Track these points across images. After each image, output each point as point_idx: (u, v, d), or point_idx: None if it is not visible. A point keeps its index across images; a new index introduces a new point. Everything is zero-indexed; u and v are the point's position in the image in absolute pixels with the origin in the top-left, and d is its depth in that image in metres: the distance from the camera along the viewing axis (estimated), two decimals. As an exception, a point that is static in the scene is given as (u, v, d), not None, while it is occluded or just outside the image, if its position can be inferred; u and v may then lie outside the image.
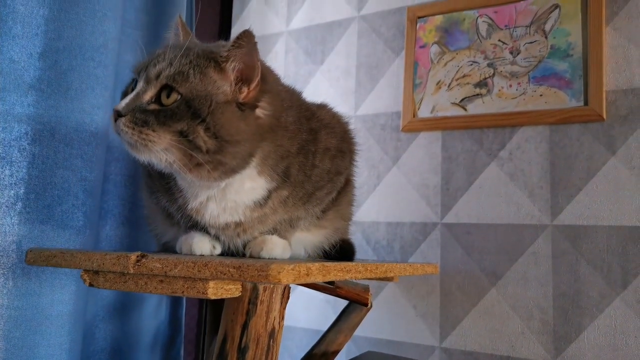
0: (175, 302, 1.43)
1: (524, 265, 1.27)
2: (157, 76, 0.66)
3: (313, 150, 0.75)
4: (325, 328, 1.15)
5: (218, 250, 0.76)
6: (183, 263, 0.63)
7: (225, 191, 0.71)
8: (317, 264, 0.66)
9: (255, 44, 0.68)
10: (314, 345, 1.11)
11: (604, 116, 1.21)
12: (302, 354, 1.16)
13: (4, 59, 1.05)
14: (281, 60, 1.73)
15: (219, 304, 1.02)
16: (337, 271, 0.71)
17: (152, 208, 0.86)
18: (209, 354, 0.94)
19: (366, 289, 0.94)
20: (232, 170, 0.69)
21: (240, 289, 0.70)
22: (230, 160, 0.67)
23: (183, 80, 0.66)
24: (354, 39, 1.61)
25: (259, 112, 0.70)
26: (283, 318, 0.89)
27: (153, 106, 0.66)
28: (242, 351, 0.84)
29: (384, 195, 1.47)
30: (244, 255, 0.77)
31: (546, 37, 1.30)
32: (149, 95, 0.66)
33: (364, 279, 0.86)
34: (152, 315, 1.35)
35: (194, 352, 1.63)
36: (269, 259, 0.73)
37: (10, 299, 1.02)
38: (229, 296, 0.66)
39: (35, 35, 1.09)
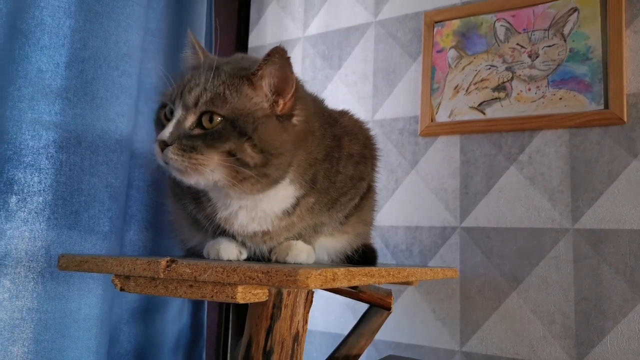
0: (197, 306, 1.45)
1: (545, 269, 1.26)
2: (196, 103, 0.68)
3: (337, 157, 0.76)
4: (344, 332, 1.16)
5: (244, 255, 0.77)
6: (212, 268, 0.64)
7: (257, 201, 0.73)
8: (342, 269, 0.67)
9: (287, 58, 0.69)
10: (335, 349, 1.12)
11: (625, 119, 1.20)
12: (322, 358, 1.17)
13: (32, 69, 1.08)
14: (298, 65, 1.75)
15: (242, 307, 1.03)
16: (361, 276, 0.72)
17: (178, 214, 0.88)
18: (234, 357, 0.96)
19: (388, 293, 0.95)
20: (275, 181, 0.71)
21: (267, 294, 0.71)
22: (274, 172, 0.69)
23: (222, 102, 0.67)
24: (371, 44, 1.62)
25: (294, 120, 0.72)
26: (307, 322, 0.90)
27: (197, 131, 0.68)
28: (267, 354, 0.85)
29: (403, 200, 1.47)
30: (269, 260, 0.78)
31: (565, 41, 1.30)
32: (190, 121, 0.68)
33: (387, 283, 0.87)
34: (175, 319, 1.37)
35: (215, 355, 1.65)
36: (294, 264, 0.74)
37: (39, 303, 1.05)
38: (256, 300, 0.67)
39: (61, 45, 1.12)
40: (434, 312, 1.38)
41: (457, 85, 1.43)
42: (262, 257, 0.79)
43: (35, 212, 1.06)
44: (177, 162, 0.66)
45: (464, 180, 1.40)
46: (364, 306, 1.47)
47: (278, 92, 0.70)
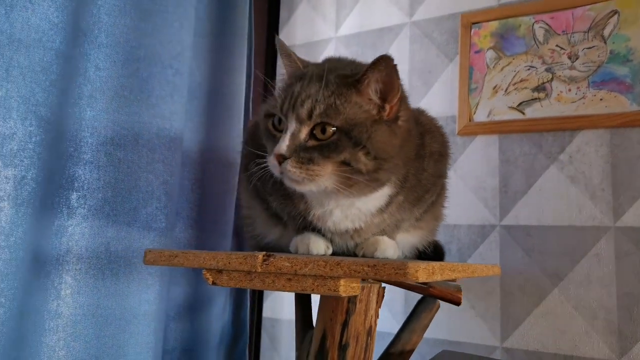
0: (238, 305, 1.46)
1: (586, 266, 1.29)
2: (310, 116, 0.69)
3: (422, 155, 0.78)
4: (383, 329, 1.17)
5: (330, 250, 0.79)
6: (314, 262, 0.66)
7: (354, 200, 0.75)
8: (437, 263, 0.69)
9: (394, 66, 0.70)
10: (389, 345, 1.13)
11: (667, 119, 1.23)
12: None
13: (90, 67, 1.09)
14: (331, 65, 1.76)
15: (306, 305, 1.05)
16: (449, 271, 0.74)
17: (255, 210, 0.90)
18: (301, 352, 0.97)
19: (458, 288, 0.97)
20: (383, 184, 0.73)
21: (360, 287, 0.72)
22: (384, 175, 0.72)
23: (335, 113, 0.69)
24: (406, 44, 1.64)
25: (400, 122, 0.74)
26: (378, 316, 0.92)
27: (311, 142, 0.70)
28: (342, 348, 0.87)
29: (441, 198, 1.49)
30: (354, 255, 0.80)
31: (605, 43, 1.33)
32: (304, 133, 0.70)
33: (462, 278, 0.89)
34: (218, 317, 1.38)
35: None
36: (381, 258, 0.76)
37: (100, 299, 1.06)
38: (353, 294, 0.69)
39: (117, 43, 1.13)
40: (473, 309, 1.41)
41: (496, 86, 1.46)
42: (347, 252, 0.81)
43: (95, 209, 1.07)
44: (295, 174, 0.68)
45: (503, 179, 1.42)
46: (400, 302, 1.49)
47: (384, 97, 0.72)
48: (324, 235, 0.79)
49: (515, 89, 1.43)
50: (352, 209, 0.76)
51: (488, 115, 1.46)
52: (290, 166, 0.68)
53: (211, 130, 1.37)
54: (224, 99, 1.40)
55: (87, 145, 1.07)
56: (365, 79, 0.70)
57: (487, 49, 1.49)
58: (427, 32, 1.61)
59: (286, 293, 1.72)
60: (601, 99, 1.32)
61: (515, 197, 1.40)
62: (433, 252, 0.90)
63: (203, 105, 1.35)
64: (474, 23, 1.52)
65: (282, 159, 0.68)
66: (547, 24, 1.41)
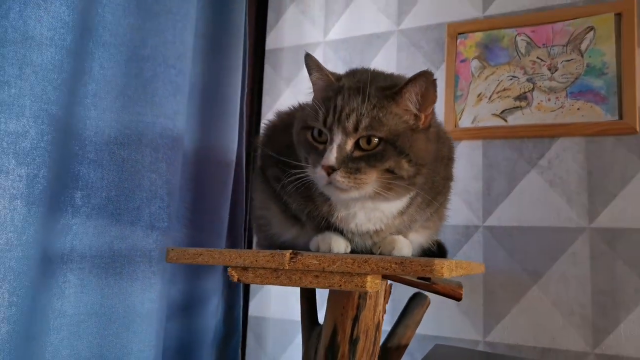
0: (230, 303, 1.48)
1: (563, 265, 1.38)
2: (355, 129, 0.73)
3: (436, 159, 0.84)
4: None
5: (349, 248, 0.83)
6: (342, 260, 0.70)
7: (379, 203, 0.79)
8: (453, 261, 0.74)
9: (434, 81, 0.75)
10: (386, 339, 1.18)
11: (637, 129, 1.34)
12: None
13: (95, 65, 1.09)
14: (319, 69, 1.80)
15: (312, 301, 1.08)
16: (459, 268, 0.79)
17: (271, 210, 0.92)
18: (309, 346, 1.01)
19: (459, 284, 1.03)
20: (418, 187, 0.78)
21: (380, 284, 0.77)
22: (420, 179, 0.77)
23: (379, 125, 0.74)
24: (394, 51, 1.70)
25: (431, 129, 0.80)
26: (385, 311, 0.97)
27: (357, 153, 0.74)
28: (353, 342, 0.91)
29: (427, 200, 1.56)
30: (371, 253, 0.84)
31: (582, 56, 1.43)
32: (350, 145, 0.74)
33: (459, 275, 0.95)
34: (212, 315, 1.39)
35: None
36: (398, 256, 0.81)
37: (103, 297, 1.06)
38: (377, 289, 0.73)
39: (121, 43, 1.13)
40: (458, 306, 1.48)
41: (480, 94, 1.54)
42: (365, 250, 0.85)
43: (99, 208, 1.07)
44: (343, 184, 0.73)
45: (487, 183, 1.50)
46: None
47: (420, 107, 0.77)
48: (343, 235, 0.83)
49: (498, 97, 1.51)
50: (375, 212, 0.80)
51: (473, 122, 1.53)
52: (339, 176, 0.72)
53: (207, 129, 1.38)
54: (221, 99, 1.41)
55: (92, 144, 1.07)
56: (405, 91, 0.75)
57: (472, 59, 1.56)
58: (414, 41, 1.67)
59: (273, 293, 1.75)
60: (578, 109, 1.41)
61: (497, 199, 1.48)
62: (437, 250, 0.96)
63: (199, 104, 1.36)
64: (459, 33, 1.59)
65: (331, 170, 0.72)
66: (528, 37, 1.50)
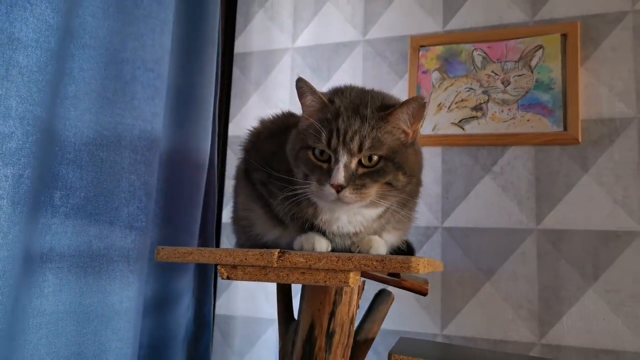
0: (201, 301, 1.51)
1: (514, 263, 1.51)
2: (360, 149, 0.82)
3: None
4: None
5: (330, 248, 0.90)
6: (327, 258, 0.76)
7: (362, 208, 0.86)
8: (425, 258, 0.82)
9: (424, 104, 0.85)
10: (354, 333, 1.26)
11: (580, 140, 1.48)
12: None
13: (75, 67, 1.10)
14: (287, 75, 1.86)
15: (288, 297, 1.14)
16: (429, 266, 0.87)
17: (255, 211, 0.98)
18: (286, 341, 1.06)
19: (426, 281, 1.11)
20: (406, 194, 0.87)
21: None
22: (409, 186, 0.87)
23: (380, 144, 0.82)
24: (360, 60, 1.78)
25: (416, 141, 0.90)
26: (359, 306, 1.04)
27: (361, 170, 0.83)
28: (329, 335, 0.98)
29: (390, 202, 1.65)
30: (349, 251, 0.91)
31: (532, 72, 1.56)
32: (354, 164, 0.82)
33: (429, 272, 1.04)
34: (184, 313, 1.43)
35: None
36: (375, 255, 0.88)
37: (82, 296, 1.08)
38: (357, 285, 0.80)
39: (101, 45, 1.15)
40: (418, 302, 1.58)
41: (440, 103, 1.64)
42: (344, 249, 0.92)
43: (78, 208, 1.08)
44: (350, 199, 0.81)
45: (445, 187, 1.61)
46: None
47: (410, 124, 0.87)
48: (325, 236, 0.89)
49: (456, 107, 1.62)
50: (357, 216, 0.88)
51: (433, 129, 1.64)
52: (348, 193, 0.80)
53: (182, 131, 1.41)
54: (195, 102, 1.45)
55: (71, 145, 1.08)
56: (400, 112, 0.84)
57: (433, 70, 1.67)
58: (380, 51, 1.76)
59: (240, 291, 1.79)
60: (528, 120, 1.54)
61: (455, 202, 1.59)
62: (407, 249, 1.04)
63: (174, 107, 1.39)
64: (421, 46, 1.69)
65: (340, 188, 0.80)
66: (484, 52, 1.62)
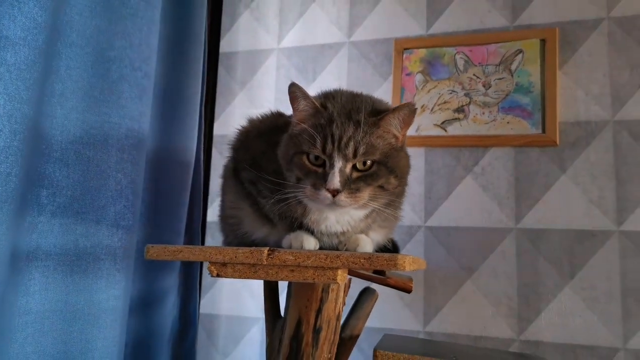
0: (186, 299, 1.52)
1: (494, 261, 1.55)
2: (354, 155, 0.84)
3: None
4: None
5: (317, 246, 0.91)
6: (316, 255, 0.78)
7: (351, 208, 0.88)
8: (411, 256, 0.85)
9: (414, 110, 0.88)
10: (340, 330, 1.28)
11: (557, 142, 1.53)
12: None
13: (62, 65, 1.10)
14: (272, 75, 1.88)
15: (275, 295, 1.16)
16: (414, 263, 0.90)
17: (243, 210, 0.99)
18: (274, 337, 1.08)
19: (410, 278, 1.14)
20: (395, 195, 0.90)
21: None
22: (399, 188, 0.90)
23: (373, 150, 0.85)
24: (345, 61, 1.81)
25: (405, 144, 0.92)
26: (345, 303, 1.07)
27: (355, 174, 0.85)
28: (317, 331, 1.00)
29: (374, 202, 1.68)
30: (336, 249, 0.93)
31: (512, 75, 1.60)
32: (349, 168, 0.84)
33: (414, 270, 1.07)
34: (169, 312, 1.43)
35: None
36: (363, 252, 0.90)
37: (68, 295, 1.08)
38: (345, 281, 0.82)
39: (88, 44, 1.15)
40: (401, 300, 1.61)
41: (423, 105, 1.68)
42: (331, 247, 0.94)
43: (64, 206, 1.08)
44: (345, 203, 0.83)
45: (428, 187, 1.64)
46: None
47: (401, 129, 0.89)
48: (313, 234, 0.91)
49: (439, 109, 1.66)
50: (345, 216, 0.90)
51: (416, 131, 1.67)
52: (343, 197, 0.83)
53: (168, 130, 1.41)
54: (181, 101, 1.45)
55: (57, 143, 1.08)
56: (391, 117, 0.87)
57: (417, 73, 1.70)
58: (364, 53, 1.79)
59: (224, 290, 1.80)
60: (508, 122, 1.59)
61: (437, 202, 1.63)
62: (392, 247, 1.07)
63: (161, 105, 1.39)
64: (405, 49, 1.72)
65: (336, 192, 0.82)
66: (466, 56, 1.66)
